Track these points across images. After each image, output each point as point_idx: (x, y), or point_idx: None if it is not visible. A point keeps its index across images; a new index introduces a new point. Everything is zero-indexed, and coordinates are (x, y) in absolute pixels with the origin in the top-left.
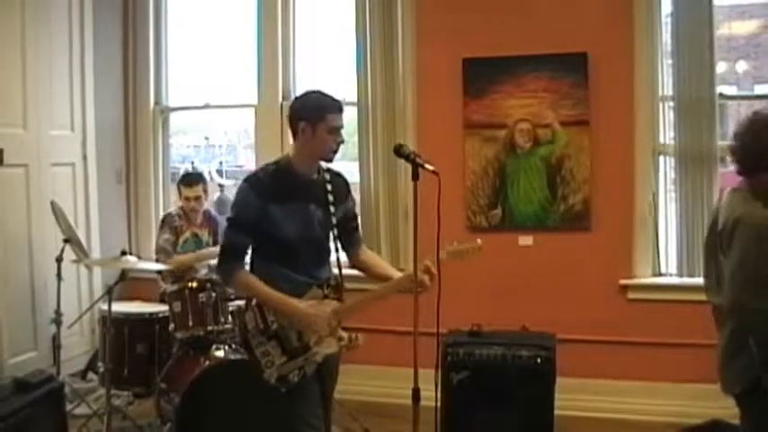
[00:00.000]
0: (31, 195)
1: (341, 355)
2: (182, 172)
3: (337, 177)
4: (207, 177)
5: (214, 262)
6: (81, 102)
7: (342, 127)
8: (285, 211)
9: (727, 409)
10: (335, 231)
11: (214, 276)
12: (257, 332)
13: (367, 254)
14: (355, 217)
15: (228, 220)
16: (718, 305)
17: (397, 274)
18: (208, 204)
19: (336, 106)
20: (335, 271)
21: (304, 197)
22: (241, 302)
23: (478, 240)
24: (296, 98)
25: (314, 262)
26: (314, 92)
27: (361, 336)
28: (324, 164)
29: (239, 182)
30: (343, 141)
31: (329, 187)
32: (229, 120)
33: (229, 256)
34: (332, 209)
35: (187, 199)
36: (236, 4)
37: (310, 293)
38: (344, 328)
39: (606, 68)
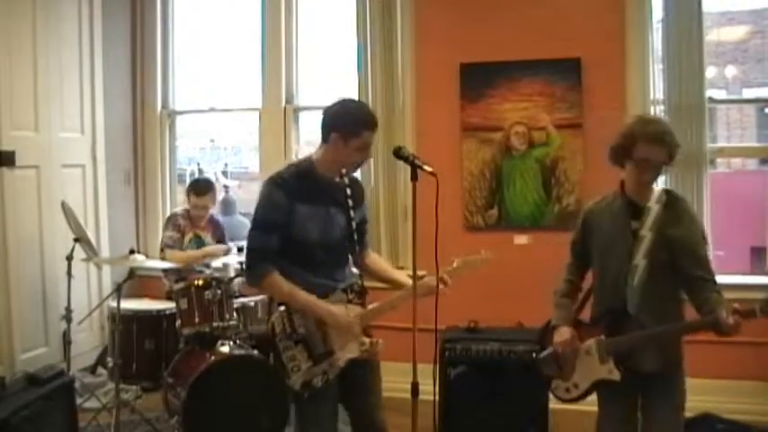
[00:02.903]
0: (42, 196)
1: (373, 357)
2: (188, 174)
3: (355, 183)
4: (213, 178)
5: (222, 260)
6: (91, 105)
7: (372, 144)
8: (308, 213)
9: (719, 403)
10: (355, 235)
11: (218, 274)
12: (284, 336)
13: (371, 257)
14: (367, 222)
15: (255, 221)
16: None
17: (402, 277)
18: (214, 206)
19: (373, 123)
20: (356, 275)
21: (326, 200)
22: (245, 300)
23: (484, 251)
24: (333, 105)
25: (333, 265)
26: (352, 102)
27: (381, 341)
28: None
29: (243, 183)
30: (370, 157)
31: (349, 191)
32: (234, 122)
33: (258, 259)
34: (352, 213)
35: (195, 206)
36: (240, 11)
37: (334, 297)
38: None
39: (599, 73)
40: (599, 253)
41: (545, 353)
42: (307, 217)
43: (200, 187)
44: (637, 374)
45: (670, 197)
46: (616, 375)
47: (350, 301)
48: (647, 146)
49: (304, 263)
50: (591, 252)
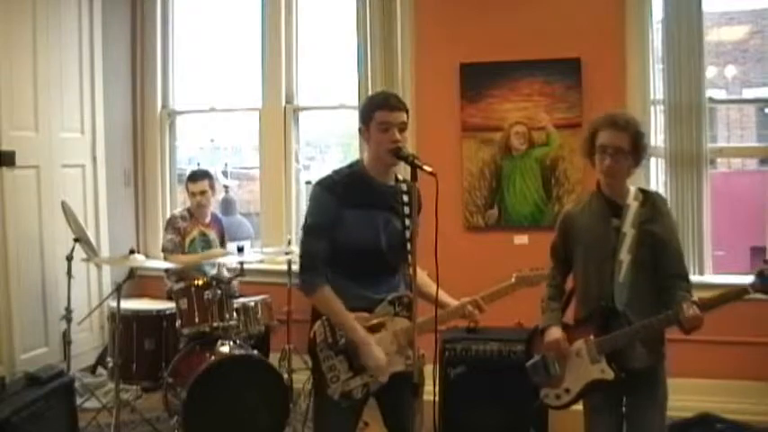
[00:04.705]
0: (42, 196)
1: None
2: (188, 172)
3: (414, 189)
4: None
5: (221, 260)
6: (90, 105)
7: (395, 124)
8: (358, 218)
9: (719, 403)
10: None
11: (220, 275)
12: (325, 345)
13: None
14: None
15: (305, 227)
16: None
17: (438, 294)
18: (214, 205)
19: (385, 102)
20: (406, 286)
21: (379, 204)
22: (245, 300)
23: (547, 270)
24: None
25: (381, 274)
26: (375, 93)
27: (426, 355)
28: (400, 175)
29: (243, 183)
30: (396, 140)
31: (405, 198)
32: (234, 122)
33: (311, 267)
34: (407, 221)
35: (193, 194)
36: (240, 11)
37: (381, 310)
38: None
39: (599, 73)
40: (583, 253)
41: (533, 360)
42: (356, 222)
43: (195, 174)
44: (626, 372)
45: (645, 194)
46: (609, 374)
47: (397, 314)
48: (604, 131)
49: (350, 271)
50: (573, 254)
